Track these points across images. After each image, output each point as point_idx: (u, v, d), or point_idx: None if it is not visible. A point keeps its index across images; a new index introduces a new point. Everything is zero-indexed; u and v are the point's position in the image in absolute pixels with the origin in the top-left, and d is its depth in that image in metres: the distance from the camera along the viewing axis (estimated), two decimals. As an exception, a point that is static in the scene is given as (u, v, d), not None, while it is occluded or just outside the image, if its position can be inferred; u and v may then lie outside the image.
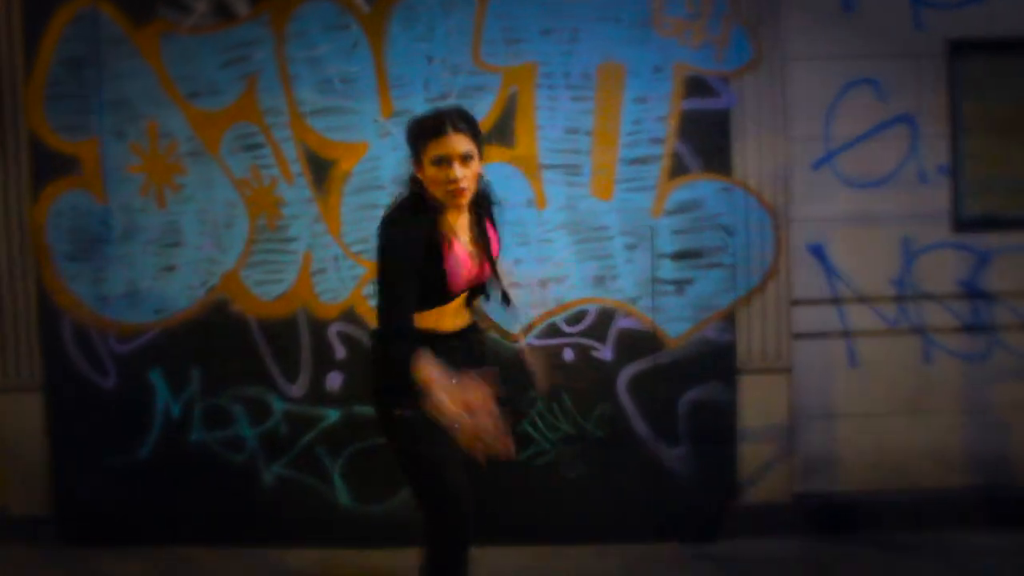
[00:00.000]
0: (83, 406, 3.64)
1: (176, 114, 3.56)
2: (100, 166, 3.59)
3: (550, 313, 3.52)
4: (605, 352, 3.53)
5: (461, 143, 2.16)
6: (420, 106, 3.42)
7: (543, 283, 3.52)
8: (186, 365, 3.60)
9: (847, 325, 3.62)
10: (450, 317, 2.32)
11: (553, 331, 3.53)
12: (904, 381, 3.64)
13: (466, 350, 2.35)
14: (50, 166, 3.60)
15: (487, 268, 2.35)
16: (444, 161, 2.15)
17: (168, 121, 3.56)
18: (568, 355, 3.52)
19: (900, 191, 3.59)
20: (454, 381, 1.99)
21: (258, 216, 3.56)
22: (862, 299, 3.62)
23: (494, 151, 3.43)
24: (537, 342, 3.51)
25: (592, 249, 3.52)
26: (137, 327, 3.62)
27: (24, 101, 3.59)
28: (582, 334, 3.53)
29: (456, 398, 1.95)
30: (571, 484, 3.53)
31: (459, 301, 2.32)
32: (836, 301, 3.62)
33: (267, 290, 3.58)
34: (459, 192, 2.17)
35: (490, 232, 2.40)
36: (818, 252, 3.61)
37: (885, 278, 3.63)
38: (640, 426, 3.53)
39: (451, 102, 3.42)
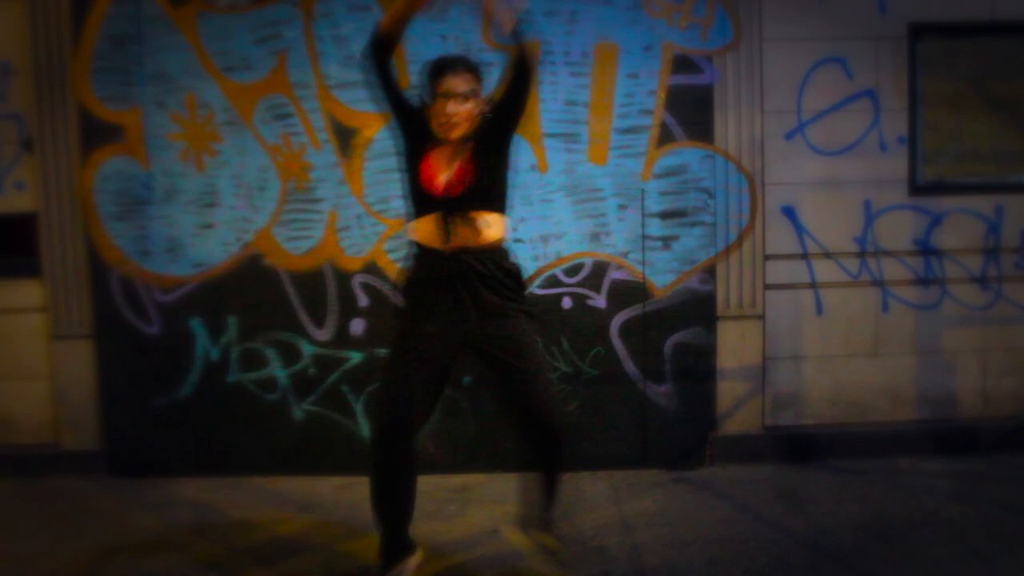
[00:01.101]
0: (129, 351, 4.03)
1: (213, 86, 3.91)
2: (143, 134, 3.95)
3: (550, 265, 3.94)
4: (599, 300, 3.96)
5: (461, 83, 2.53)
6: (435, 80, 3.83)
7: (544, 239, 3.93)
8: (223, 313, 4.00)
9: (814, 278, 4.05)
10: (437, 231, 2.58)
11: (553, 282, 3.95)
12: (864, 328, 4.09)
13: (462, 274, 2.57)
14: (97, 134, 3.95)
15: (457, 187, 2.57)
16: (444, 96, 2.52)
17: (205, 93, 3.92)
18: (567, 303, 3.94)
19: (863, 159, 4.00)
20: None
21: (288, 179, 3.95)
22: (828, 255, 4.05)
23: (501, 121, 3.83)
24: (539, 291, 3.94)
25: (588, 209, 3.93)
26: (178, 279, 4.00)
27: (72, 73, 3.93)
28: (579, 284, 3.95)
29: None
30: (568, 417, 3.97)
31: (438, 217, 2.57)
32: (804, 256, 4.05)
33: (296, 245, 3.97)
34: (451, 126, 2.54)
35: (469, 163, 2.59)
36: (789, 213, 4.03)
37: (848, 236, 4.05)
38: (630, 366, 3.97)
39: (463, 77, 3.84)
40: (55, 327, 4.09)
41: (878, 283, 4.06)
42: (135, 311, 4.03)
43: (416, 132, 2.64)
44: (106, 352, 4.06)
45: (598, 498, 3.69)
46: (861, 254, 4.05)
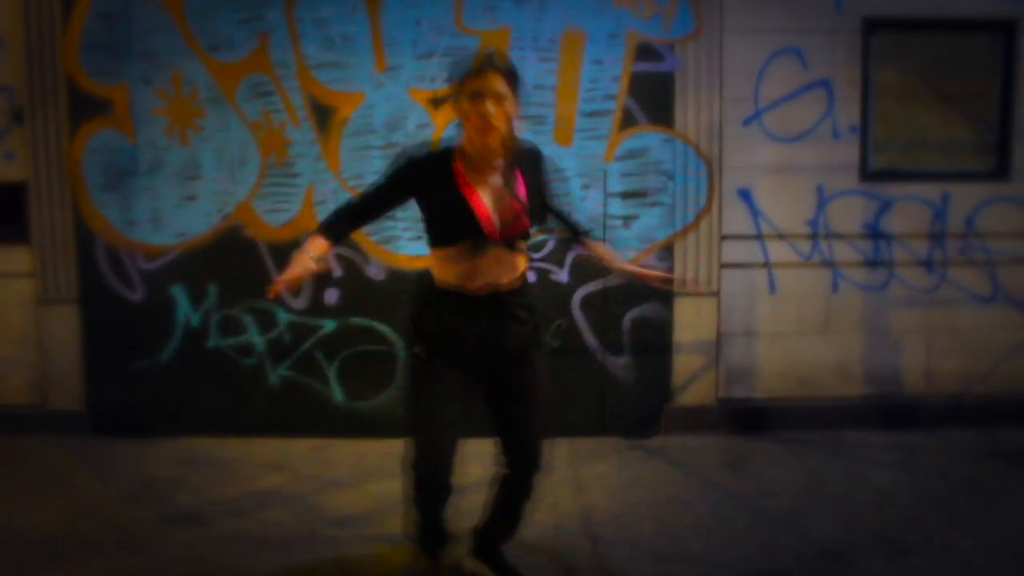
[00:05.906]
0: (113, 316, 4.19)
1: (197, 65, 4.07)
2: (130, 108, 4.10)
3: (517, 242, 4.13)
4: (562, 275, 4.14)
5: (497, 82, 2.29)
6: (409, 63, 4.01)
7: (511, 216, 4.10)
8: (204, 281, 4.17)
9: (768, 258, 4.24)
10: (474, 271, 2.38)
11: (519, 257, 4.13)
12: (814, 307, 4.27)
13: (494, 316, 2.42)
14: (85, 107, 4.10)
15: (513, 223, 2.37)
16: (478, 96, 2.28)
17: (190, 71, 4.07)
18: (531, 277, 4.07)
19: (816, 145, 4.18)
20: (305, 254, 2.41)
21: (268, 154, 4.12)
22: (781, 236, 4.23)
23: (472, 102, 4.01)
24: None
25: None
26: (161, 248, 4.17)
27: (63, 49, 4.07)
28: (543, 259, 4.13)
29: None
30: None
31: (477, 255, 2.36)
32: (759, 237, 4.23)
33: (275, 218, 4.14)
34: (488, 128, 2.28)
35: (520, 190, 2.39)
36: (745, 195, 4.21)
37: (801, 219, 4.23)
38: (590, 338, 4.16)
39: (435, 61, 4.01)
40: (42, 292, 4.24)
41: (829, 264, 4.25)
42: (119, 278, 4.19)
43: (435, 177, 2.39)
44: (91, 317, 4.22)
45: (556, 462, 3.81)
46: (813, 236, 4.23)
